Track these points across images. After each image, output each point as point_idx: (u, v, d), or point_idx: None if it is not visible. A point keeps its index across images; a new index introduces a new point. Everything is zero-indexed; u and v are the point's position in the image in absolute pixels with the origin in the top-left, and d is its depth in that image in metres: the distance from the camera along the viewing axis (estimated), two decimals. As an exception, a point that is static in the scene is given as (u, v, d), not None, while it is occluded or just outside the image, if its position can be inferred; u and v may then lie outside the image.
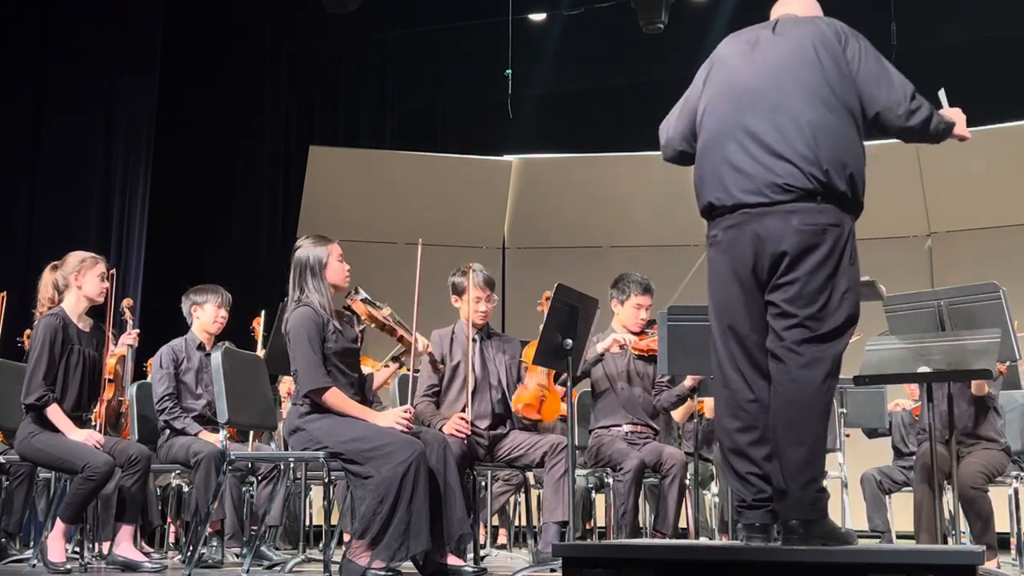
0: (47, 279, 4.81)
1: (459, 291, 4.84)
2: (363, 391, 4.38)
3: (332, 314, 4.23)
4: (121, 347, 5.16)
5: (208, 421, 5.22)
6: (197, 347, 5.40)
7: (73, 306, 4.79)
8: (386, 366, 4.79)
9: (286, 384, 6.67)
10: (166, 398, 5.23)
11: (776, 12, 3.37)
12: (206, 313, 5.40)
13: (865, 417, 6.52)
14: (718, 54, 3.30)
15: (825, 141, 3.02)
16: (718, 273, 3.15)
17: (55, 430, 4.64)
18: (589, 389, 5.44)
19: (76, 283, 4.77)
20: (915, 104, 3.10)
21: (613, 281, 5.38)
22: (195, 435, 5.17)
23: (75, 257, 4.82)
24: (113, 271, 5.11)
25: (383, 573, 3.80)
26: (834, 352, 3.05)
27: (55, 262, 4.85)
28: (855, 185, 3.07)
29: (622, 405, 5.27)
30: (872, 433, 6.84)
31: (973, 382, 5.05)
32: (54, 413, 4.63)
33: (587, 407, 5.51)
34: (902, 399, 6.64)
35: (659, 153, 3.44)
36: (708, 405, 5.91)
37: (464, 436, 4.57)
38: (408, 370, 4.55)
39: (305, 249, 4.28)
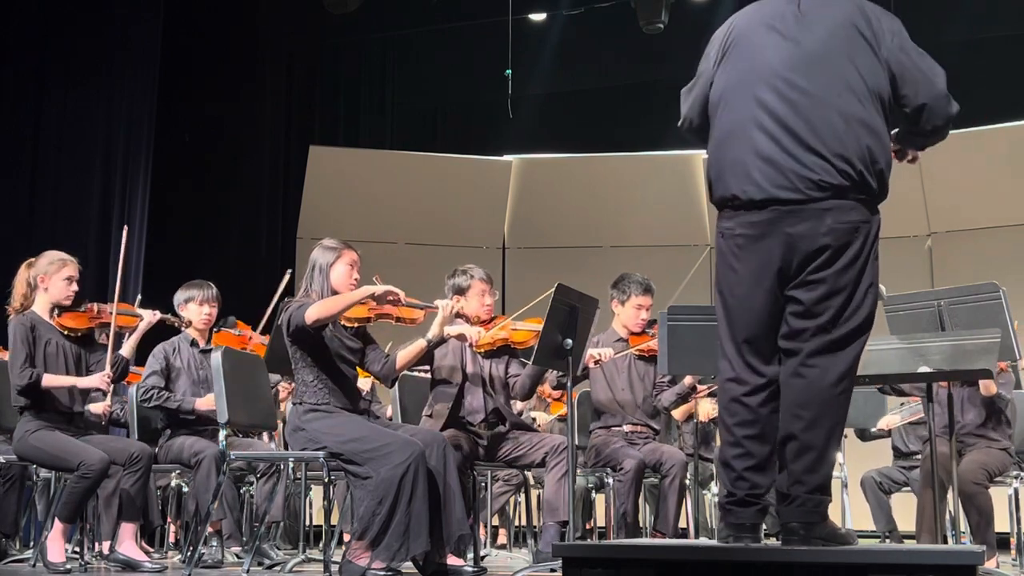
0: (20, 276, 4.81)
1: (462, 290, 4.83)
2: (358, 393, 4.39)
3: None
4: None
5: (207, 421, 5.21)
6: (190, 344, 5.40)
7: (43, 307, 4.79)
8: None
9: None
10: (152, 389, 5.20)
11: None
12: (190, 312, 5.39)
13: (865, 417, 6.51)
14: (738, 32, 3.10)
15: (858, 135, 2.89)
16: (734, 269, 3.00)
17: (54, 428, 4.64)
18: (589, 390, 5.44)
19: (43, 286, 4.77)
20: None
21: (613, 281, 5.38)
22: (192, 411, 5.16)
23: (45, 258, 4.81)
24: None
25: (383, 573, 3.80)
26: (852, 353, 2.95)
27: (31, 259, 4.84)
28: (884, 181, 2.95)
29: (622, 405, 5.27)
30: (865, 435, 6.82)
31: (981, 384, 5.05)
32: (50, 381, 4.63)
33: (587, 407, 5.51)
34: (902, 403, 6.59)
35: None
36: (703, 409, 5.91)
37: (470, 342, 4.60)
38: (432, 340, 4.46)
39: (319, 249, 4.31)
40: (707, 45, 3.20)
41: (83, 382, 4.69)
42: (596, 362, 5.03)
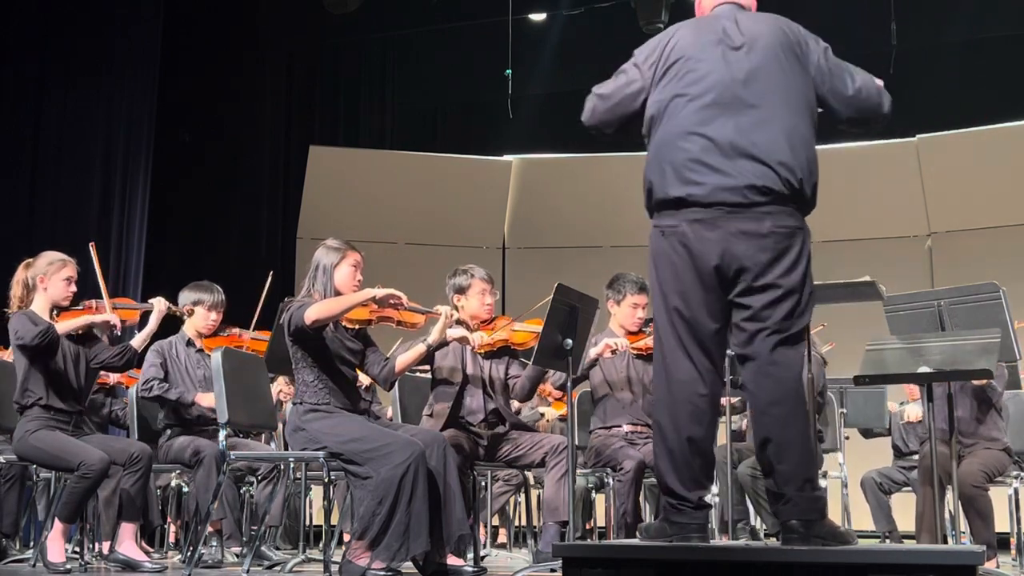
0: (18, 276, 4.79)
1: (462, 289, 4.83)
2: (358, 394, 4.39)
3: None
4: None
5: (207, 421, 5.20)
6: (186, 343, 5.39)
7: (41, 308, 4.76)
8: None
9: (278, 384, 6.63)
10: (152, 380, 5.19)
11: None
12: (197, 316, 5.38)
13: (865, 417, 6.52)
14: (679, 48, 3.20)
15: (799, 146, 3.04)
16: (673, 263, 3.09)
17: (54, 427, 4.64)
18: (589, 390, 5.44)
19: (42, 286, 4.75)
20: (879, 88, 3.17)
21: (608, 282, 5.37)
22: (191, 404, 5.17)
23: (44, 259, 4.80)
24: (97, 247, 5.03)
25: (383, 573, 3.80)
26: (802, 350, 3.09)
27: (28, 260, 4.83)
28: (815, 191, 3.10)
29: (622, 405, 5.26)
30: (868, 433, 6.83)
31: None
32: (63, 327, 4.63)
33: (587, 408, 5.51)
34: (901, 401, 6.61)
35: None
36: None
37: (472, 345, 4.62)
38: (432, 344, 4.44)
39: (322, 249, 4.30)
40: (639, 51, 3.31)
41: (98, 317, 4.72)
42: (613, 351, 5.04)
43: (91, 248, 5.02)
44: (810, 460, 3.00)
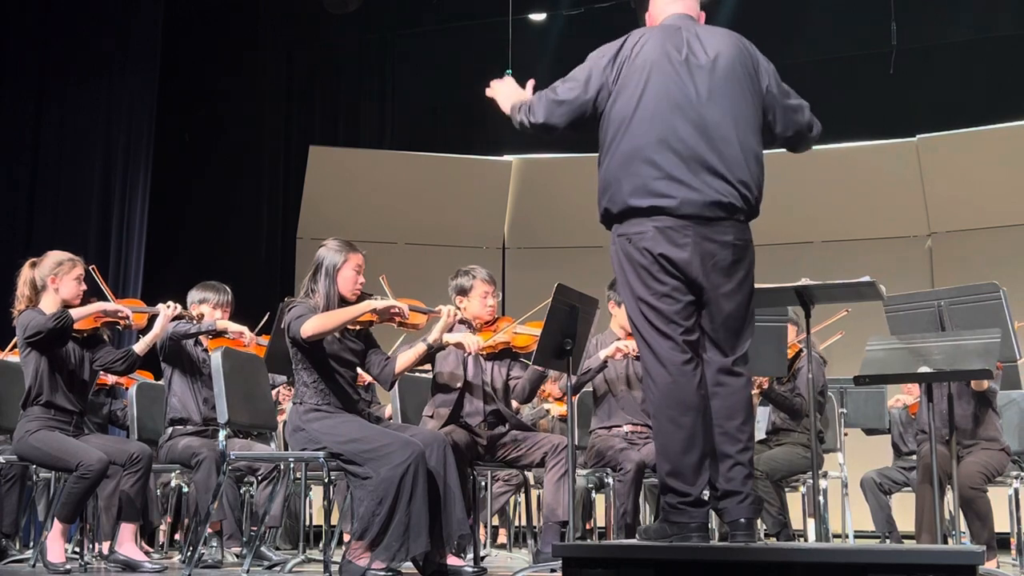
0: (25, 275, 4.76)
1: (464, 291, 4.83)
2: (357, 391, 4.39)
3: None
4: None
5: (208, 420, 5.20)
6: (193, 342, 5.38)
7: (49, 307, 4.73)
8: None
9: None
10: (180, 320, 5.18)
11: (667, 9, 3.49)
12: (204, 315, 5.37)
13: (865, 417, 6.52)
14: (642, 57, 3.33)
15: (754, 164, 3.23)
16: (643, 266, 3.19)
17: (54, 428, 4.64)
18: (590, 390, 5.44)
19: (53, 286, 4.72)
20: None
21: (609, 282, 5.37)
22: (205, 334, 5.23)
23: (53, 259, 4.77)
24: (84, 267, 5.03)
25: (383, 574, 3.81)
26: (747, 362, 3.27)
27: (34, 259, 4.81)
28: (760, 204, 3.30)
29: (622, 407, 5.27)
30: (869, 431, 6.83)
31: (973, 381, 5.05)
32: (78, 312, 4.64)
33: (587, 408, 5.51)
34: (901, 395, 6.63)
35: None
36: None
37: (468, 351, 4.63)
38: (434, 344, 4.45)
39: (326, 250, 4.29)
40: (596, 56, 3.47)
41: (109, 306, 4.78)
42: (625, 354, 5.04)
43: (93, 271, 5.06)
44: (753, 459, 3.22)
